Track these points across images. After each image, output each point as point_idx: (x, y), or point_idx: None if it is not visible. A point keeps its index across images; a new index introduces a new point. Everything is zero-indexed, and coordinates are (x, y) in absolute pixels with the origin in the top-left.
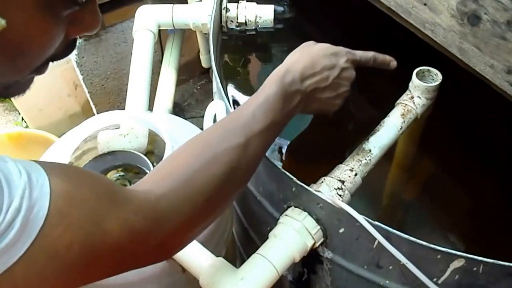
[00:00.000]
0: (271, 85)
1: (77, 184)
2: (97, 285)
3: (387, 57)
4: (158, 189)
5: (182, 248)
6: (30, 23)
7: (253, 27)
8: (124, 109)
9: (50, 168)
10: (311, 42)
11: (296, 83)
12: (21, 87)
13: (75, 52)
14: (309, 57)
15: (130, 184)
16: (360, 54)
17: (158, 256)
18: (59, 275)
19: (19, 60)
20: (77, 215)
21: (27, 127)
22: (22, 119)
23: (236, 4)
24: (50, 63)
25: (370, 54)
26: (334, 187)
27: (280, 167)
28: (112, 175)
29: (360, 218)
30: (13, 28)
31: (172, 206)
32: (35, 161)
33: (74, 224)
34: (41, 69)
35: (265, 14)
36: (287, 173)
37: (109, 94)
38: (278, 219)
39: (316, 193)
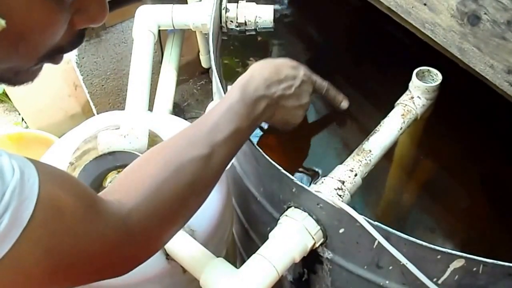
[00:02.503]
0: (235, 92)
1: (64, 191)
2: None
3: (340, 96)
4: (129, 201)
5: (157, 251)
6: (32, 9)
7: (253, 27)
8: (124, 109)
9: (42, 169)
10: (270, 58)
11: (261, 89)
12: (30, 75)
13: (75, 52)
14: (273, 65)
15: None
16: (316, 77)
17: (133, 263)
18: (39, 275)
19: (22, 47)
20: (59, 222)
21: (27, 127)
22: (22, 119)
23: (235, 4)
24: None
25: (325, 82)
26: (334, 187)
27: (281, 168)
28: (113, 175)
29: (360, 219)
30: (15, 14)
31: (142, 219)
32: (29, 159)
33: (54, 230)
34: (53, 58)
35: (265, 14)
36: (288, 173)
37: (109, 95)
38: (278, 219)
39: (316, 193)
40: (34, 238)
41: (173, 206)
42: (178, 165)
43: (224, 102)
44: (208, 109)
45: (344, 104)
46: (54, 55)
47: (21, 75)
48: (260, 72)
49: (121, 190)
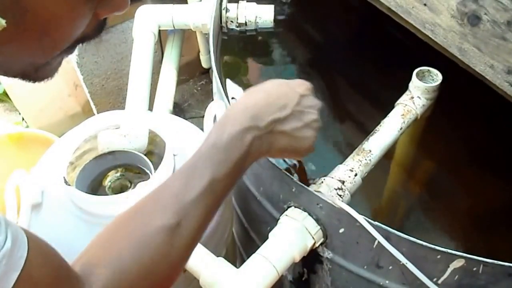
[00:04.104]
0: (212, 131)
1: (46, 269)
2: None
3: None
4: (97, 280)
5: None
6: (58, 1)
7: (253, 27)
8: (124, 109)
9: (33, 243)
10: (269, 81)
11: (245, 120)
12: (50, 70)
13: (75, 52)
14: (262, 90)
15: (131, 184)
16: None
17: None
18: None
19: (47, 40)
20: None
21: (27, 127)
22: (23, 119)
23: (236, 4)
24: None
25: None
26: (334, 187)
27: (281, 167)
28: (112, 175)
29: (360, 218)
30: (41, 6)
31: None
32: (23, 229)
33: None
34: (70, 50)
35: (265, 14)
36: (288, 173)
37: (109, 94)
38: (278, 219)
39: (316, 193)
40: None
41: (140, 284)
42: (142, 239)
43: (199, 148)
44: (209, 109)
45: None
46: (72, 47)
47: (41, 71)
48: (246, 101)
49: (91, 264)
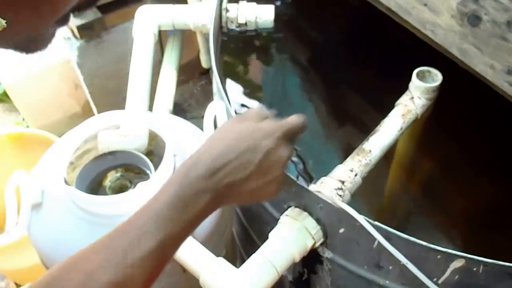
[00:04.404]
0: (169, 187)
1: None
2: None
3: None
4: None
5: None
6: None
7: (253, 28)
8: (124, 109)
9: None
10: (235, 120)
11: (202, 180)
12: (43, 41)
13: (76, 52)
14: (223, 143)
15: (131, 184)
16: (288, 119)
17: None
18: None
19: (44, 7)
20: None
21: (27, 127)
22: (23, 119)
23: (236, 4)
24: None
25: (297, 120)
26: (334, 187)
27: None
28: (112, 175)
29: (360, 218)
30: None
31: None
32: None
33: None
34: (65, 20)
35: (265, 14)
36: (288, 173)
37: (109, 94)
38: (278, 219)
39: (316, 193)
40: None
41: None
42: None
43: (154, 202)
44: (209, 109)
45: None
46: (67, 16)
47: (34, 42)
48: (204, 156)
49: None
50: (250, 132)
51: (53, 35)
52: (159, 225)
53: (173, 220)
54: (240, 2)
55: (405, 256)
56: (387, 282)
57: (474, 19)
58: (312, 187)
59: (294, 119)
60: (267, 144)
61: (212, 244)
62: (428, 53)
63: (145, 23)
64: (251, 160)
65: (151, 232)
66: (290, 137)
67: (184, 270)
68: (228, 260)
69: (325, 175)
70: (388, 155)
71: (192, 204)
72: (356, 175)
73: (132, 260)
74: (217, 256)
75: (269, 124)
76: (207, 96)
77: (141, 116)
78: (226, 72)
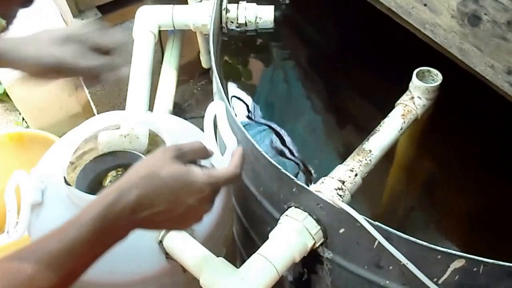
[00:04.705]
0: (88, 217)
1: None
2: (97, 285)
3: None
4: None
5: None
6: None
7: (253, 28)
8: (124, 109)
9: None
10: (172, 152)
11: (125, 215)
12: (6, 21)
13: None
14: (152, 185)
15: None
16: (222, 174)
17: None
18: None
19: None
20: None
21: (27, 127)
22: (23, 119)
23: (236, 4)
24: None
25: (234, 169)
26: (334, 187)
27: (281, 167)
28: (112, 175)
29: (360, 219)
30: None
31: None
32: None
33: None
34: (28, 1)
35: (265, 15)
36: (288, 173)
37: (110, 95)
38: (279, 219)
39: (317, 193)
40: None
41: None
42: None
43: (68, 232)
44: (209, 109)
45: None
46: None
47: None
48: (132, 191)
49: None
50: (181, 181)
51: (15, 16)
52: (66, 260)
53: (83, 254)
54: (240, 3)
55: (405, 256)
56: (387, 282)
57: (474, 19)
58: (312, 187)
59: (229, 171)
60: (190, 202)
61: (212, 244)
62: (428, 53)
63: (145, 23)
64: (172, 209)
65: (57, 265)
66: (217, 191)
67: (184, 270)
68: (228, 260)
69: (325, 175)
70: (388, 155)
71: (108, 236)
72: (356, 175)
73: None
74: (217, 256)
75: (200, 181)
76: (207, 96)
77: (141, 116)
78: (226, 72)
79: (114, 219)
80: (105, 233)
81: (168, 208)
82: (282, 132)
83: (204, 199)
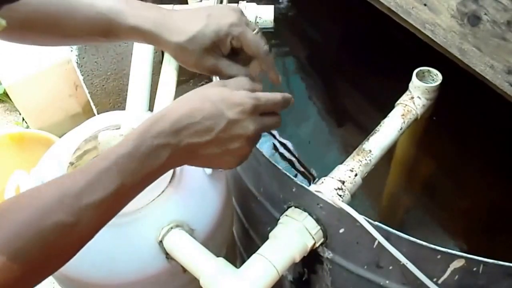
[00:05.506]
0: (131, 137)
1: None
2: (97, 285)
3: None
4: None
5: None
6: None
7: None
8: (124, 109)
9: None
10: (214, 84)
11: (165, 135)
12: None
13: (76, 52)
14: (190, 104)
15: None
16: (265, 97)
17: None
18: None
19: None
20: None
21: (28, 127)
22: (23, 119)
23: (236, 4)
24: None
25: (278, 95)
26: (334, 187)
27: (281, 167)
28: None
29: (360, 218)
30: None
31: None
32: None
33: None
34: None
35: (265, 14)
36: (288, 173)
37: (110, 95)
38: (279, 219)
39: (316, 193)
40: None
41: (26, 272)
42: (38, 229)
43: (114, 152)
44: None
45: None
46: None
47: None
48: (172, 113)
49: None
50: (219, 99)
51: None
52: (116, 173)
53: (130, 170)
54: (240, 2)
55: (405, 256)
56: (387, 282)
57: (474, 19)
58: (312, 187)
59: (273, 95)
60: (230, 115)
61: (212, 244)
62: (428, 53)
63: None
64: (213, 127)
65: (107, 179)
66: (261, 112)
67: (184, 270)
68: (228, 260)
69: (325, 175)
70: (388, 155)
71: (152, 158)
72: (356, 175)
73: (85, 204)
74: (217, 256)
75: (242, 95)
76: None
77: (141, 116)
78: None
79: (156, 136)
80: (145, 155)
81: (207, 126)
82: (283, 136)
83: (244, 114)
